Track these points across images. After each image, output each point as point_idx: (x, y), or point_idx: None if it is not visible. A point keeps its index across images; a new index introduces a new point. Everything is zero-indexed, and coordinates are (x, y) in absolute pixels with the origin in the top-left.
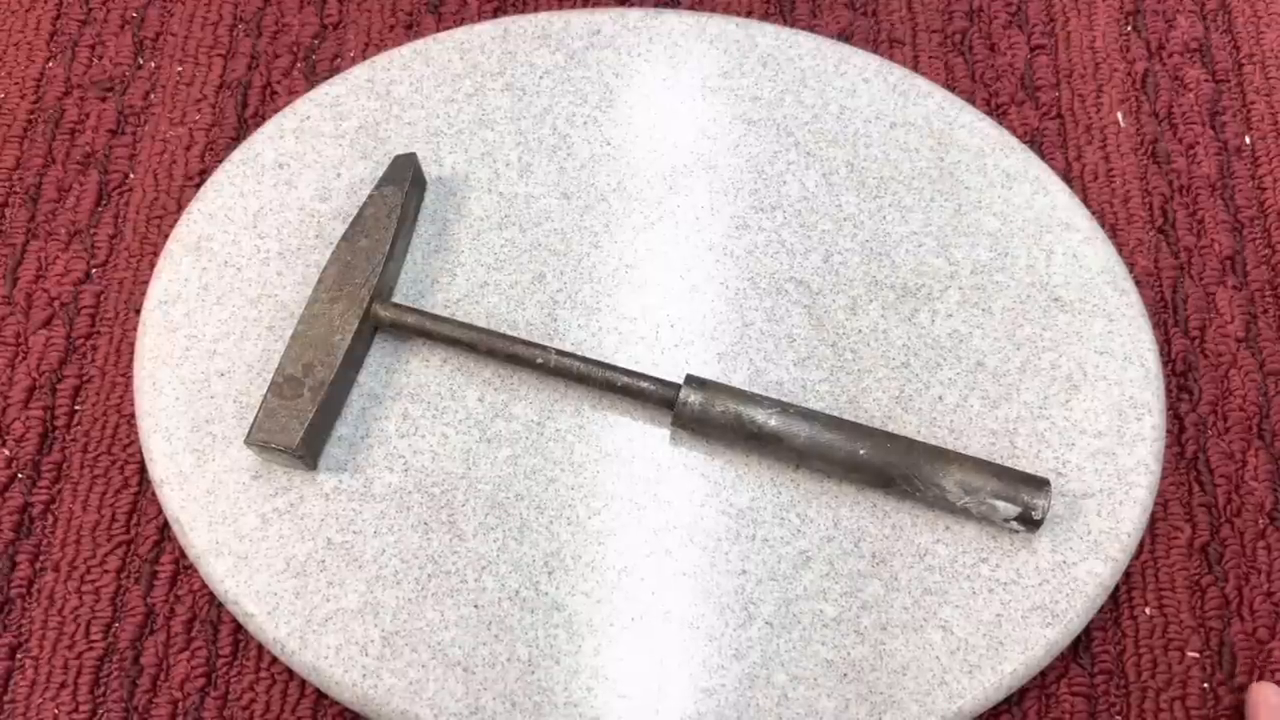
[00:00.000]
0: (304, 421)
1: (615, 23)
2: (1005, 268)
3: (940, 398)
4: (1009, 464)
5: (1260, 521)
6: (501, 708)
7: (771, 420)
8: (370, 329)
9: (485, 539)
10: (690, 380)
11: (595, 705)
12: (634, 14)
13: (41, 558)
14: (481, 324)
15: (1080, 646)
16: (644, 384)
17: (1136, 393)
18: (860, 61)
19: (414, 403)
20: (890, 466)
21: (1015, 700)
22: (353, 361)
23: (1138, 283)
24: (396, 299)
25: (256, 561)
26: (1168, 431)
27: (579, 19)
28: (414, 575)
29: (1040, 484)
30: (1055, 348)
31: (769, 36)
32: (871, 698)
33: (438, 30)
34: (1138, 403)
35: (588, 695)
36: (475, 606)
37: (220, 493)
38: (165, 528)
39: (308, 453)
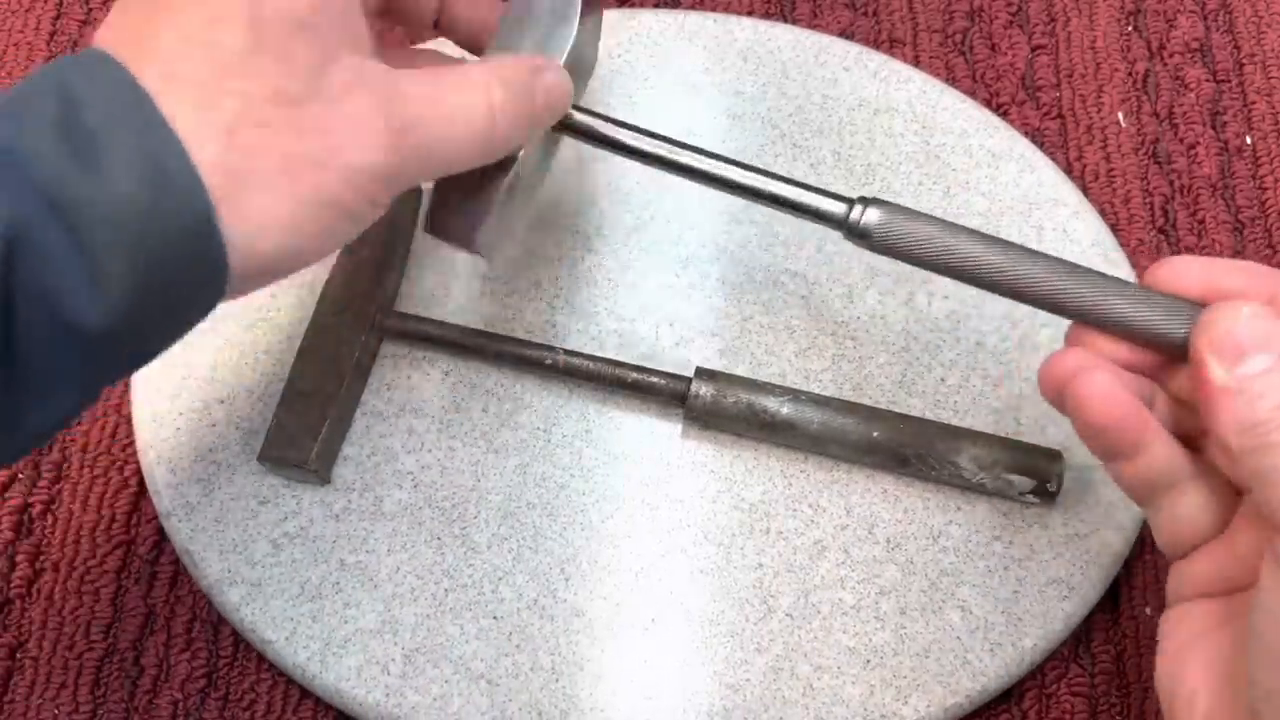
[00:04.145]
0: (316, 435)
1: None
2: None
3: (943, 379)
4: None
5: None
6: (528, 718)
7: (784, 408)
8: (376, 340)
9: (500, 550)
10: (700, 373)
11: (621, 708)
12: (610, 15)
13: (41, 558)
14: None
15: (1080, 646)
16: (654, 379)
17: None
18: (839, 50)
19: (418, 418)
20: (904, 447)
21: (1016, 700)
22: (361, 374)
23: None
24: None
25: (270, 588)
26: None
27: None
28: (431, 591)
29: (1054, 456)
30: (1052, 323)
31: (746, 30)
32: (896, 682)
33: (437, 32)
34: None
35: (614, 699)
36: (494, 618)
37: (229, 521)
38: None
39: (321, 466)
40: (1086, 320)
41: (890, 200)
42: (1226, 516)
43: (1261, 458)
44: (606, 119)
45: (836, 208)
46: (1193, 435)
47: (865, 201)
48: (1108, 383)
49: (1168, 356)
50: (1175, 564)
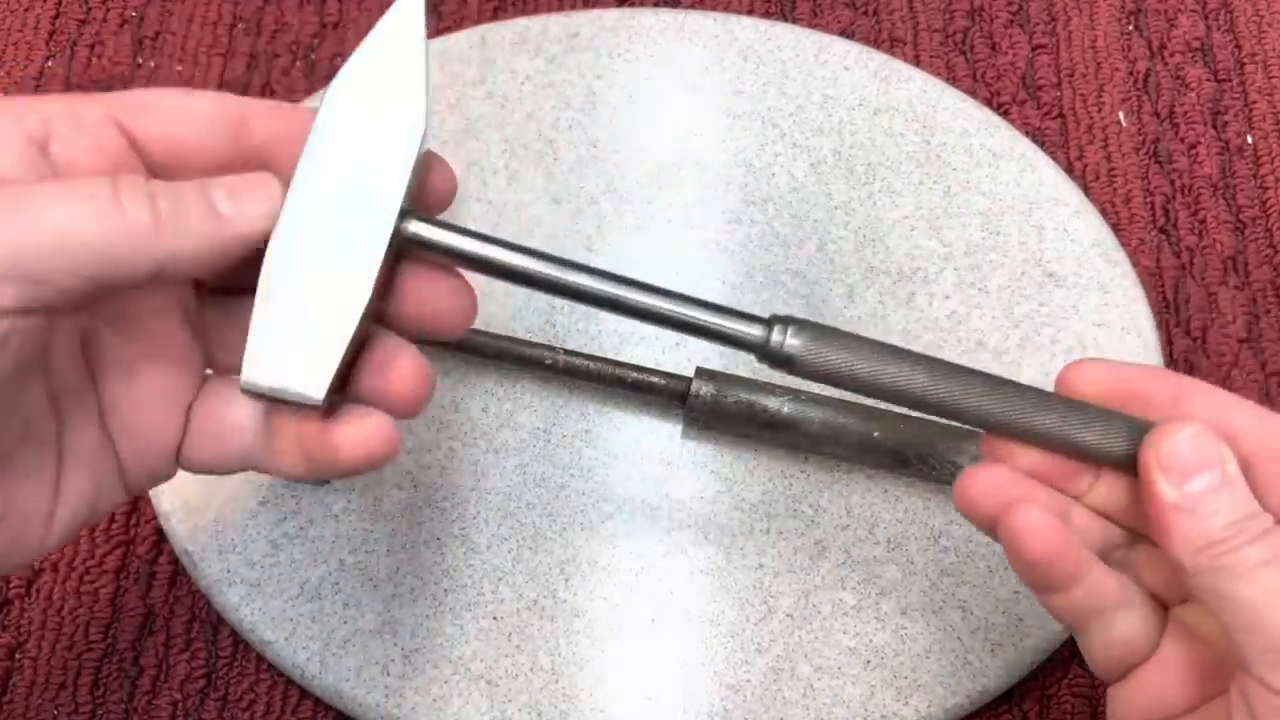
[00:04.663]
0: None
1: (593, 24)
2: (998, 246)
3: None
4: None
5: None
6: (527, 718)
7: (784, 408)
8: None
9: (499, 550)
10: (701, 372)
11: (621, 709)
12: (611, 14)
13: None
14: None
15: None
16: (655, 379)
17: (1136, 362)
18: (840, 50)
19: (418, 418)
20: (905, 446)
21: (1016, 700)
22: None
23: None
24: None
25: (270, 588)
26: None
27: (555, 22)
28: (430, 591)
29: None
30: (1053, 323)
31: (747, 29)
32: (896, 682)
33: (437, 29)
34: None
35: (613, 700)
36: (494, 619)
37: (228, 521)
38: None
39: None
40: (1014, 435)
41: (891, 198)
42: (1162, 632)
43: (1218, 579)
44: (470, 233)
45: (751, 332)
46: (1112, 548)
47: (785, 322)
48: (1041, 518)
49: (1090, 466)
50: (1114, 689)
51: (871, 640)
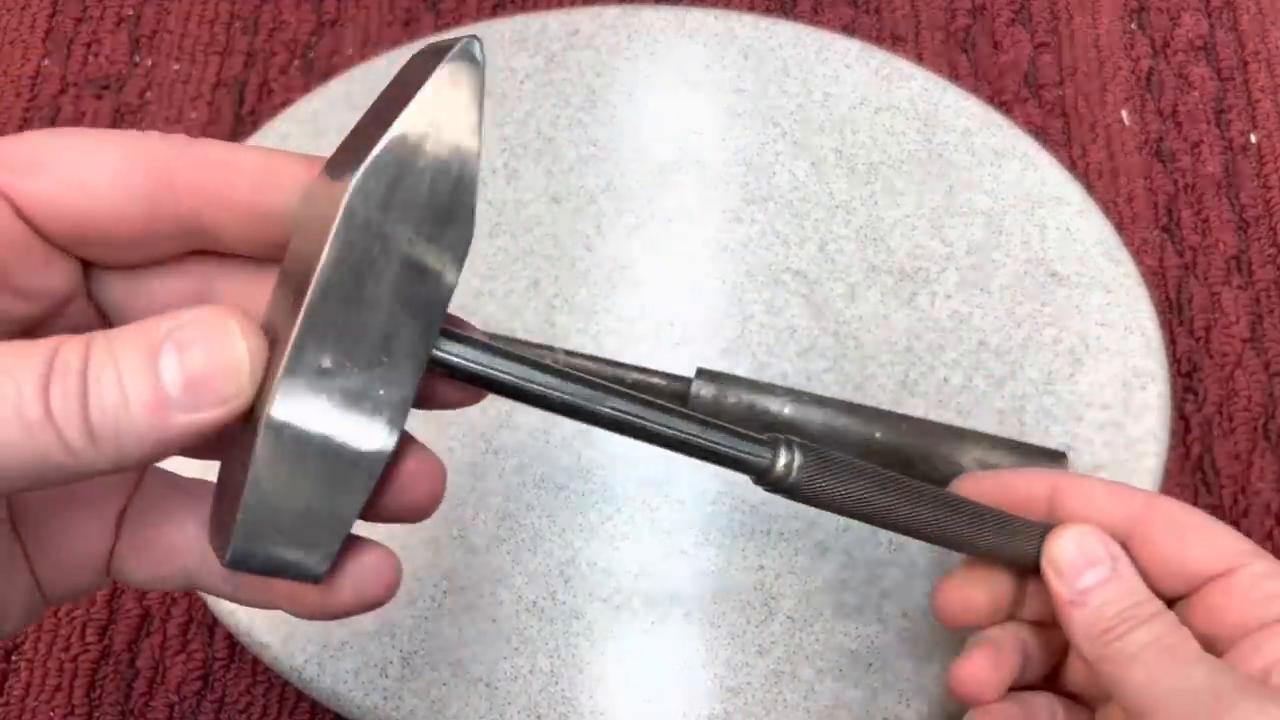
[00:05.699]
0: None
1: (593, 21)
2: (1001, 245)
3: (946, 379)
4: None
5: (1267, 523)
6: None
7: (785, 409)
8: None
9: (498, 551)
10: (701, 373)
11: (621, 712)
12: (610, 12)
13: None
14: None
15: None
16: (654, 379)
17: (1139, 362)
18: (841, 47)
19: (416, 419)
20: (906, 448)
21: None
22: None
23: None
24: None
25: None
26: (1173, 433)
27: (555, 20)
28: (428, 593)
29: (1057, 457)
30: (1056, 322)
31: (747, 27)
32: (898, 685)
33: (435, 28)
34: (1141, 372)
35: (613, 702)
36: (493, 621)
37: None
38: None
39: None
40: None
41: (893, 197)
42: None
43: (1112, 665)
44: (512, 356)
45: (756, 457)
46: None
47: (790, 446)
48: None
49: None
50: None
51: (874, 642)
